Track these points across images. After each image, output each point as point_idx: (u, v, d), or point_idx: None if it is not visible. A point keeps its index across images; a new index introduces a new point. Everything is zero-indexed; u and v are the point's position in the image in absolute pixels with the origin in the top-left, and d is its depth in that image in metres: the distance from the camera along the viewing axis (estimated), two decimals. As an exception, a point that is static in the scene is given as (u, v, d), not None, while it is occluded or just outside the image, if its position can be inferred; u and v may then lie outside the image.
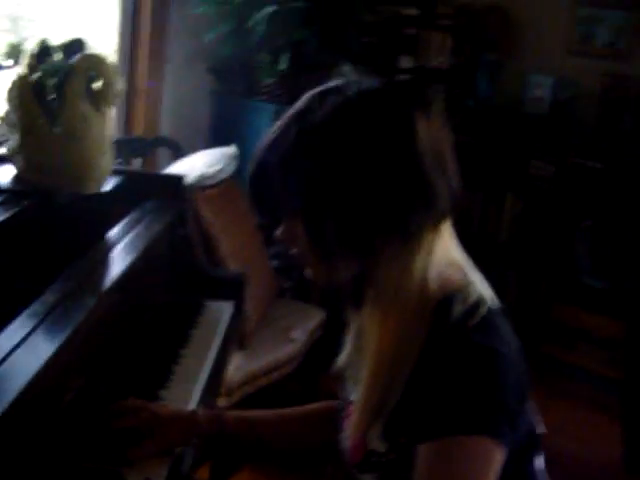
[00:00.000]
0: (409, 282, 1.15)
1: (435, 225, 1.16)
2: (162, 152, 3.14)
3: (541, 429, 1.25)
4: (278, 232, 1.23)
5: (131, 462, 1.27)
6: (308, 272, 1.24)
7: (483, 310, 1.15)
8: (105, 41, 3.03)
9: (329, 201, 1.13)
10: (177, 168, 2.74)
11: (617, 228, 3.89)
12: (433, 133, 1.15)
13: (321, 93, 1.18)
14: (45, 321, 1.24)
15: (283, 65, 3.01)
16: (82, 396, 1.31)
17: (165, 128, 3.21)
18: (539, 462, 1.24)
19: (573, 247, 4.02)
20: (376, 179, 1.11)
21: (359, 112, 1.14)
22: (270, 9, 2.94)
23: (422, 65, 4.01)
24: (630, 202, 3.84)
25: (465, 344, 1.11)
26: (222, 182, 2.76)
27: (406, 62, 3.91)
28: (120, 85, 1.83)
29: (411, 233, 1.13)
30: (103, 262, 1.56)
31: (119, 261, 1.57)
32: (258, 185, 1.23)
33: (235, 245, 2.67)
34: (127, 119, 3.11)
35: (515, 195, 4.19)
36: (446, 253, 1.20)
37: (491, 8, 4.26)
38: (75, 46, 1.84)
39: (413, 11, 3.90)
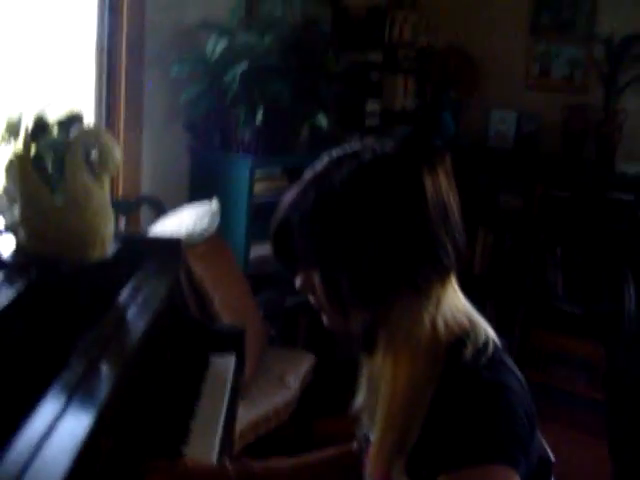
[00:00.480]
0: (420, 329, 1.24)
1: (442, 278, 1.26)
2: (144, 210, 3.21)
3: (552, 457, 1.34)
4: (297, 282, 1.32)
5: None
6: (324, 319, 1.33)
7: (490, 349, 1.24)
8: (81, 106, 3.10)
9: (344, 257, 1.23)
10: (163, 226, 2.81)
11: (587, 254, 4.02)
12: (440, 191, 1.24)
13: (339, 158, 1.27)
14: (76, 393, 1.29)
15: (259, 118, 3.10)
16: (111, 457, 1.38)
17: (146, 186, 3.27)
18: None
19: (546, 274, 4.14)
20: (387, 238, 1.21)
21: (373, 178, 1.23)
22: (243, 66, 3.02)
23: (389, 108, 4.14)
24: (597, 228, 3.97)
25: (478, 382, 1.20)
26: (208, 237, 2.83)
27: (373, 106, 4.03)
28: (118, 155, 1.91)
29: (419, 288, 1.23)
30: (119, 327, 1.63)
31: (134, 325, 1.64)
32: (280, 240, 1.33)
33: (227, 298, 2.74)
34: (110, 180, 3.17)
35: (486, 228, 4.32)
36: (453, 301, 1.29)
37: (451, 49, 4.42)
38: (72, 120, 1.92)
39: (378, 56, 4.02)
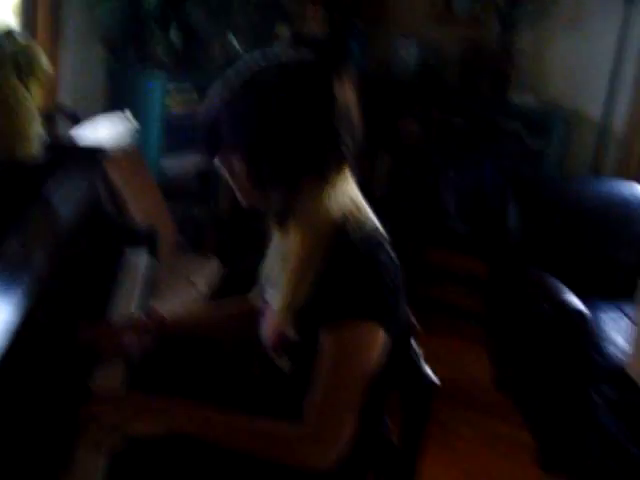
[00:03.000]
0: (319, 208, 1.52)
1: (340, 165, 1.53)
2: (60, 121, 3.34)
3: (413, 321, 1.63)
4: (216, 160, 1.57)
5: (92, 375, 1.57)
6: (241, 198, 1.59)
7: (369, 230, 1.54)
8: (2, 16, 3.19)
9: (267, 143, 1.48)
10: (79, 135, 2.96)
11: (476, 176, 4.33)
12: (344, 94, 1.50)
13: (265, 58, 1.51)
14: (14, 269, 1.48)
15: (172, 36, 3.25)
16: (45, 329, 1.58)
17: (62, 99, 3.40)
18: (414, 346, 1.62)
19: (439, 196, 4.45)
20: (302, 128, 1.47)
21: (295, 81, 1.48)
22: (160, -15, 3.18)
23: (299, 32, 4.31)
24: (488, 152, 4.28)
25: (355, 253, 1.49)
26: (123, 147, 3.00)
27: (282, 30, 4.20)
28: (46, 64, 2.08)
29: (322, 171, 1.50)
30: (47, 215, 1.82)
31: (61, 211, 1.84)
32: (209, 128, 1.55)
33: (141, 205, 2.93)
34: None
35: (387, 152, 4.58)
36: (347, 189, 1.57)
37: (359, -23, 4.59)
38: (4, 34, 2.08)
39: (289, -16, 4.19)
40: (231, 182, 1.58)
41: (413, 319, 1.65)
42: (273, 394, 1.66)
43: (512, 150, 4.20)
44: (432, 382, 1.52)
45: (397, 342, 1.55)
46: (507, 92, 4.27)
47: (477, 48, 4.36)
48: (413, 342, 1.62)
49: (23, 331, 1.30)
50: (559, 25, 4.26)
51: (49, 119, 3.25)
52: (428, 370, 1.55)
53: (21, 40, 2.07)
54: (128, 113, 3.11)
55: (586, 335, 2.91)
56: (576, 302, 2.92)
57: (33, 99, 2.06)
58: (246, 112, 1.49)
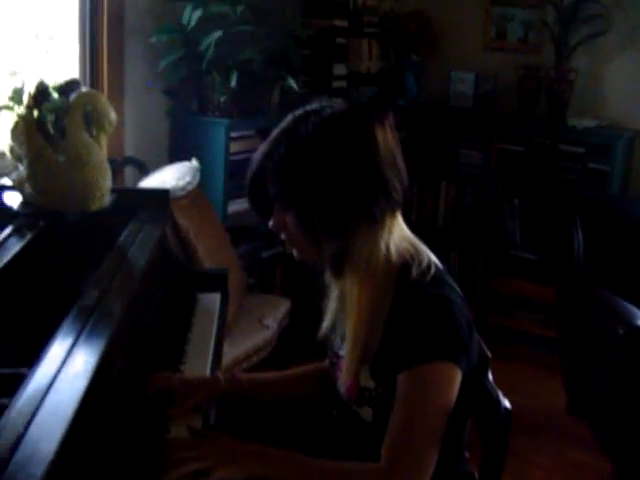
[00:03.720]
0: (377, 254, 1.54)
1: (393, 211, 1.55)
2: (128, 171, 3.43)
3: (489, 353, 1.63)
4: (270, 223, 1.60)
5: (169, 430, 1.59)
6: (296, 253, 1.62)
7: (433, 270, 1.54)
8: (66, 72, 3.30)
9: (314, 197, 1.50)
10: (148, 183, 3.04)
11: (541, 204, 4.31)
12: (388, 140, 1.53)
13: (302, 115, 1.55)
14: (91, 320, 1.50)
15: (233, 82, 3.32)
16: (121, 376, 1.62)
17: (128, 149, 3.49)
18: (489, 377, 1.62)
19: (504, 224, 4.43)
20: (348, 180, 1.49)
21: (333, 130, 1.52)
22: (218, 33, 3.25)
23: (355, 71, 4.37)
24: (550, 179, 4.26)
25: (423, 295, 1.50)
26: (190, 193, 3.08)
27: (340, 69, 4.26)
28: (113, 115, 2.15)
29: (375, 218, 1.51)
30: (122, 264, 1.87)
31: (135, 262, 1.89)
32: (255, 186, 1.60)
33: (209, 248, 2.99)
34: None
35: (448, 182, 4.59)
36: (401, 232, 1.59)
37: (412, 13, 4.64)
38: (71, 86, 2.16)
39: (343, 22, 4.25)
40: (285, 239, 1.61)
41: (487, 350, 1.65)
42: (356, 445, 1.66)
43: (575, 174, 4.18)
44: (507, 409, 1.52)
45: (473, 374, 1.55)
46: (566, 116, 4.26)
47: (533, 74, 4.36)
48: (489, 373, 1.62)
49: (101, 378, 1.33)
50: (615, 46, 4.25)
51: (117, 169, 3.35)
52: (503, 398, 1.55)
53: (88, 91, 2.14)
54: (194, 160, 3.19)
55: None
56: (651, 325, 2.88)
57: (102, 150, 2.12)
58: (288, 168, 1.52)
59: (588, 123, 4.14)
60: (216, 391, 1.74)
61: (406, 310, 1.50)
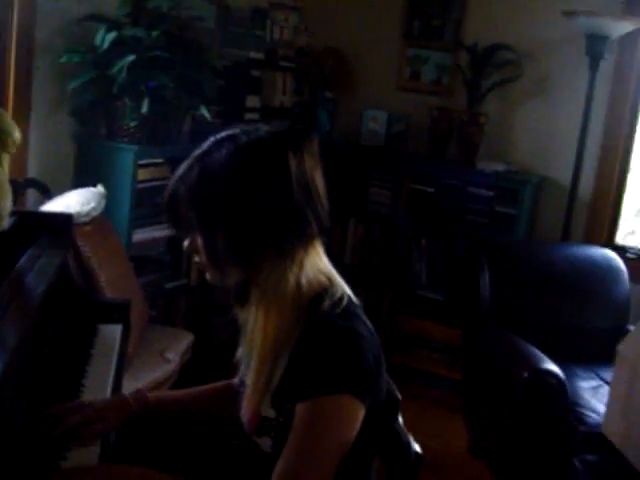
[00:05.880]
0: (285, 286, 1.50)
1: (305, 245, 1.51)
2: (30, 193, 3.30)
3: (399, 395, 1.59)
4: (185, 244, 1.56)
5: (65, 457, 1.51)
6: (207, 275, 1.57)
7: (345, 303, 1.50)
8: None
9: (220, 223, 1.48)
10: (51, 207, 2.93)
11: (448, 245, 4.34)
12: (304, 170, 1.49)
13: (220, 139, 1.52)
14: None
15: (145, 109, 3.24)
16: (14, 408, 1.53)
17: (31, 170, 3.37)
18: (399, 420, 1.58)
19: (411, 264, 4.44)
20: (256, 208, 1.46)
21: (246, 158, 1.49)
22: (130, 58, 3.17)
23: (267, 104, 4.34)
24: (458, 220, 4.30)
25: (331, 327, 1.46)
26: (94, 219, 2.98)
27: (253, 101, 4.23)
28: (17, 134, 2.06)
29: (284, 250, 1.48)
30: (19, 291, 1.78)
31: (33, 289, 1.79)
32: (170, 208, 1.55)
33: (112, 277, 2.89)
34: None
35: (358, 220, 4.59)
36: (316, 263, 1.55)
37: (328, 50, 4.66)
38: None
39: (259, 55, 4.23)
40: (194, 259, 1.58)
41: (397, 392, 1.61)
42: (255, 476, 1.60)
43: (483, 216, 4.23)
44: (418, 454, 1.48)
45: (381, 413, 1.51)
46: (476, 159, 4.32)
47: (445, 116, 4.42)
48: (399, 415, 1.58)
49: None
50: (525, 93, 4.35)
51: (19, 191, 3.22)
52: (413, 442, 1.51)
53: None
54: (100, 186, 3.09)
55: (564, 402, 2.89)
56: (553, 369, 2.90)
57: (3, 170, 2.03)
58: (197, 192, 1.49)
59: (497, 167, 4.21)
60: (126, 412, 1.69)
61: (312, 340, 1.46)
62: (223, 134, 1.54)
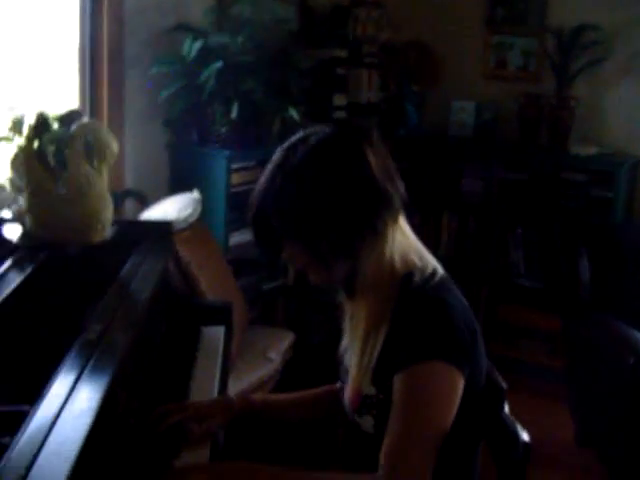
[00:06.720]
0: (383, 265, 1.55)
1: (394, 219, 1.55)
2: (128, 203, 3.39)
3: (504, 385, 1.59)
4: (283, 255, 1.60)
5: (177, 454, 1.55)
6: (311, 278, 1.61)
7: (436, 277, 1.55)
8: (65, 103, 3.27)
9: (317, 225, 1.51)
10: (149, 215, 3.01)
11: (544, 232, 4.27)
12: (377, 154, 1.54)
13: (290, 146, 1.56)
14: (94, 354, 1.47)
15: (234, 114, 3.30)
16: (127, 411, 1.58)
17: (128, 181, 3.46)
18: (505, 410, 1.57)
19: (508, 253, 4.39)
20: (345, 201, 1.51)
21: (323, 155, 1.53)
22: (218, 64, 3.23)
23: (354, 101, 4.35)
24: (553, 207, 4.23)
25: (422, 299, 1.51)
26: (192, 224, 3.04)
27: (340, 100, 4.24)
28: (115, 146, 2.12)
29: (378, 228, 1.52)
30: (125, 298, 1.83)
31: (138, 295, 1.85)
32: (260, 222, 1.59)
33: (211, 280, 2.95)
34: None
35: (451, 212, 4.56)
36: (405, 239, 1.59)
37: (412, 43, 4.64)
38: (72, 116, 2.13)
39: (343, 53, 4.24)
40: (298, 267, 1.62)
41: (501, 381, 1.60)
42: (360, 459, 1.64)
43: (578, 202, 4.15)
44: (526, 443, 1.47)
45: (484, 399, 1.51)
46: (568, 144, 4.24)
47: (534, 102, 4.34)
48: (505, 404, 1.58)
49: (106, 415, 1.30)
50: (616, 73, 4.24)
51: (117, 202, 3.32)
52: (522, 431, 1.50)
53: (89, 122, 2.11)
54: (196, 192, 3.15)
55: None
56: (661, 353, 2.83)
57: (103, 182, 2.09)
58: (286, 201, 1.53)
59: (590, 151, 4.12)
60: (231, 413, 1.74)
61: (405, 314, 1.50)
62: (290, 141, 1.58)
